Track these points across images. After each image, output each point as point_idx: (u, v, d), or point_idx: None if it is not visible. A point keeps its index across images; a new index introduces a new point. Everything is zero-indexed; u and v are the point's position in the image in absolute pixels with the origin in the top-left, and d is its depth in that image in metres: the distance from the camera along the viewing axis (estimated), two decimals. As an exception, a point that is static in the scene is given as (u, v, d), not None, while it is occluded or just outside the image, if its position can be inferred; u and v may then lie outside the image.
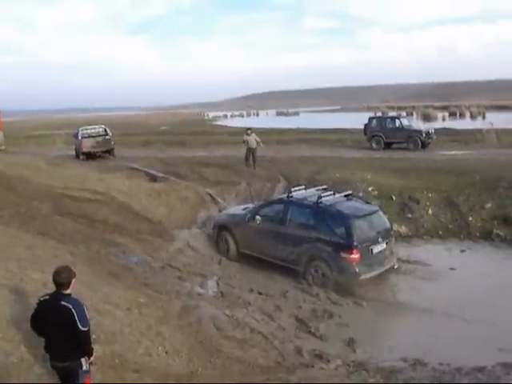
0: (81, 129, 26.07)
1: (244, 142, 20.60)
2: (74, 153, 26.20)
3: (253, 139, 20.37)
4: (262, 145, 20.66)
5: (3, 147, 24.94)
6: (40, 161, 21.48)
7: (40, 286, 7.52)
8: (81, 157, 24.62)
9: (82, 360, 4.79)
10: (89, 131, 25.71)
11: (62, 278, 4.72)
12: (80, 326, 4.60)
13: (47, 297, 4.81)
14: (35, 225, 11.50)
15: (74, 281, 4.81)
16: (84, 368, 4.80)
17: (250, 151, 20.37)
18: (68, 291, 4.75)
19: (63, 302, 4.64)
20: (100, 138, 25.19)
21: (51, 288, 7.10)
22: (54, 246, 10.34)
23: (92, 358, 4.90)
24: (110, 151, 25.42)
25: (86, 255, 10.32)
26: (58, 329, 4.66)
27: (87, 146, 24.67)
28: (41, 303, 4.82)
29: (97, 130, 25.92)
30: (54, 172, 18.48)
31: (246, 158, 20.49)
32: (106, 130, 25.79)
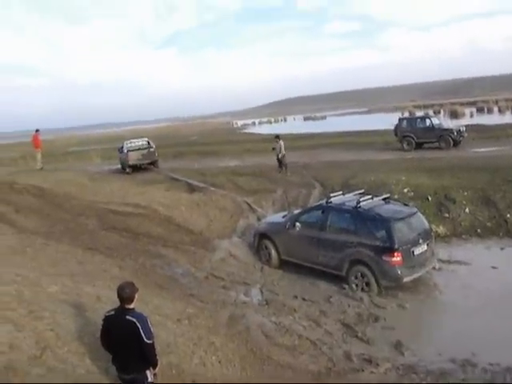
0: (125, 142, 26.66)
1: (274, 148, 20.93)
2: (111, 167, 26.80)
3: (282, 145, 20.68)
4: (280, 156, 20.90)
5: (40, 165, 25.71)
6: (82, 177, 22.06)
7: (94, 299, 7.87)
8: (127, 169, 25.23)
9: (147, 372, 5.04)
10: (134, 144, 26.33)
11: (125, 293, 4.96)
12: (145, 339, 4.85)
13: (112, 312, 5.06)
14: (84, 240, 11.93)
15: (136, 295, 5.05)
16: (149, 379, 5.06)
17: (281, 157, 20.68)
18: (132, 306, 5.00)
19: (128, 317, 4.89)
20: (145, 151, 25.81)
21: (105, 301, 7.49)
22: (102, 260, 10.71)
23: (157, 369, 5.15)
24: (154, 163, 26.01)
25: (132, 268, 10.65)
26: (125, 342, 4.92)
27: (133, 158, 25.27)
28: (107, 319, 5.07)
29: (141, 143, 26.53)
30: (97, 187, 18.99)
31: (279, 165, 20.71)
32: (149, 143, 26.42)
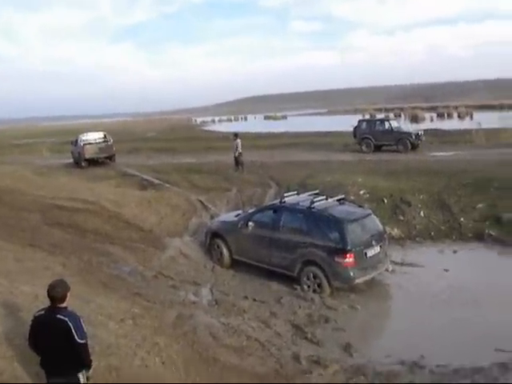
0: (81, 135, 26.02)
1: (235, 147, 20.80)
2: (61, 161, 26.05)
3: (240, 144, 20.57)
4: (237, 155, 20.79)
5: None
6: (27, 170, 21.38)
7: (31, 299, 7.47)
8: (83, 163, 24.61)
9: (79, 375, 4.69)
10: (90, 137, 25.69)
11: (56, 292, 4.61)
12: (77, 339, 4.50)
13: (42, 312, 4.70)
14: (24, 236, 11.42)
15: (69, 294, 4.71)
16: (82, 382, 4.71)
17: (237, 156, 20.62)
18: (64, 305, 4.65)
19: (59, 316, 4.54)
20: (102, 144, 25.36)
21: (43, 301, 7.00)
22: (45, 258, 10.27)
23: (90, 372, 4.81)
24: (111, 157, 25.58)
25: (77, 266, 10.25)
26: (55, 343, 4.56)
27: (90, 152, 24.72)
28: (36, 319, 4.70)
29: (98, 136, 25.95)
30: (42, 182, 18.38)
31: (236, 164, 20.50)
32: (106, 136, 25.87)
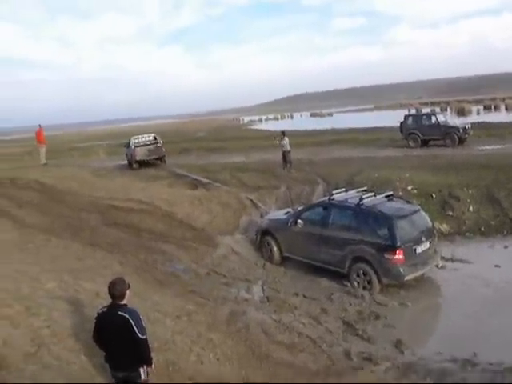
0: (132, 138, 26.63)
1: (280, 145, 20.92)
2: (116, 163, 26.81)
3: (287, 142, 20.67)
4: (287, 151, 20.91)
5: (44, 160, 25.77)
6: (85, 173, 22.11)
7: (93, 295, 7.82)
8: (134, 165, 25.27)
9: (141, 369, 4.98)
10: (140, 140, 26.31)
11: (116, 289, 4.92)
12: (138, 334, 4.79)
13: (105, 309, 5.01)
14: (85, 236, 11.89)
15: (128, 292, 5.01)
16: (143, 377, 4.99)
17: (286, 154, 20.68)
18: (124, 302, 4.95)
19: (120, 312, 4.84)
20: (152, 146, 25.79)
21: (104, 297, 7.40)
22: (103, 256, 10.66)
23: (152, 367, 5.09)
24: (161, 158, 26.00)
25: (134, 264, 10.59)
26: (117, 339, 4.86)
27: (140, 154, 25.28)
28: (99, 316, 5.02)
29: (148, 139, 26.49)
30: (100, 183, 19.01)
31: (284, 161, 20.68)
32: (156, 138, 26.40)
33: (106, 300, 6.49)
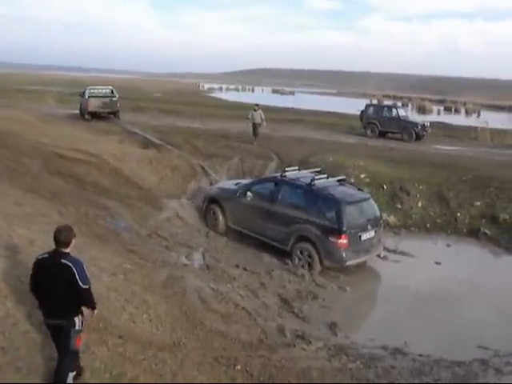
0: (88, 88, 25.92)
1: (249, 117, 21.03)
2: (66, 111, 25.88)
3: (258, 115, 20.78)
4: (265, 124, 21.11)
5: None
6: (32, 117, 21.18)
7: (27, 242, 7.53)
8: (86, 116, 24.59)
9: (76, 319, 4.79)
10: (97, 91, 25.55)
11: (62, 236, 4.67)
12: (81, 284, 4.61)
13: (46, 255, 4.75)
14: (25, 182, 11.40)
15: (74, 241, 4.78)
16: (77, 327, 4.80)
17: (254, 126, 20.87)
18: (67, 250, 4.71)
19: (63, 260, 4.61)
20: (107, 99, 25.15)
21: (39, 246, 7.11)
22: (43, 205, 10.27)
23: (95, 312, 4.98)
24: (115, 113, 25.41)
25: (74, 216, 10.25)
26: (56, 287, 4.64)
27: (94, 105, 24.58)
28: (39, 262, 4.76)
29: (104, 91, 25.80)
30: (46, 129, 18.26)
31: (254, 133, 20.96)
32: (112, 92, 25.69)
33: (41, 248, 6.22)
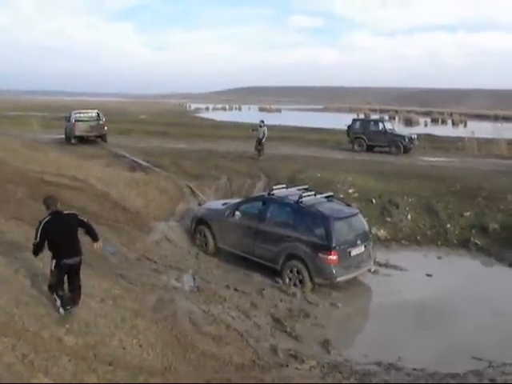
0: (74, 112, 25.88)
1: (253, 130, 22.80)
2: (52, 136, 25.77)
3: (261, 131, 21.91)
4: (264, 140, 22.09)
5: None
6: (16, 143, 20.97)
7: (12, 272, 7.39)
8: (73, 140, 24.51)
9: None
10: (83, 115, 25.48)
11: (54, 200, 6.77)
12: (85, 220, 7.03)
13: (49, 217, 6.48)
14: (9, 209, 11.21)
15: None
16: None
17: (259, 141, 21.87)
18: None
19: (65, 212, 6.81)
20: (94, 123, 25.12)
21: (23, 274, 6.95)
22: (28, 231, 10.08)
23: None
24: (102, 136, 25.35)
25: (60, 242, 10.06)
26: (71, 230, 6.75)
27: (81, 129, 24.54)
28: (48, 222, 6.45)
29: (91, 115, 25.72)
30: (31, 155, 18.02)
31: (259, 149, 21.92)
32: (99, 115, 25.62)
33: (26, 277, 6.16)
